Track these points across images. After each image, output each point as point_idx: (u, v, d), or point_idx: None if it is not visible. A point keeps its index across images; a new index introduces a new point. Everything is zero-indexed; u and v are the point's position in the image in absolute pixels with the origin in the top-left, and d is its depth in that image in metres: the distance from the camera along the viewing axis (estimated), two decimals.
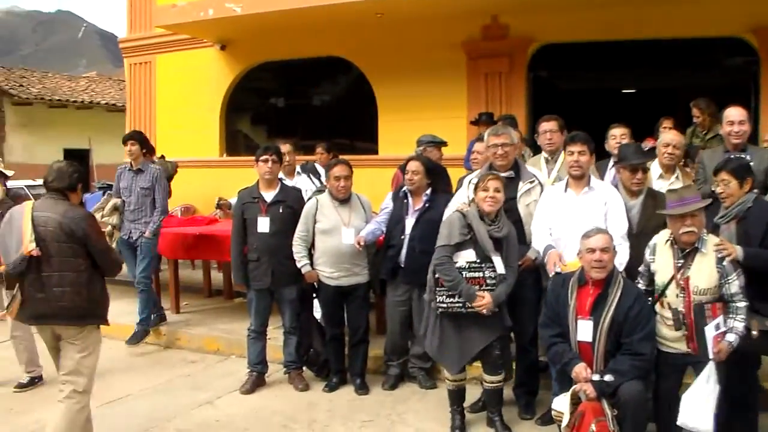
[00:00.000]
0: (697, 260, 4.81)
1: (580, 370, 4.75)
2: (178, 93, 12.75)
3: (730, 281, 4.76)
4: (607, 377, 4.69)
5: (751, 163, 5.73)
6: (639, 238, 5.48)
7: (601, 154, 6.30)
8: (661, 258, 4.96)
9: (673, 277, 4.84)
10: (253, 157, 6.73)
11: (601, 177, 6.16)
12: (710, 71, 10.22)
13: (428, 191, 6.36)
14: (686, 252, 4.84)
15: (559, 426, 4.81)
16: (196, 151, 12.31)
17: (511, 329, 5.76)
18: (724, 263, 4.76)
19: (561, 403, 4.80)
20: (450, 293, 5.31)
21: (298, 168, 8.17)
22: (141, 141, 8.05)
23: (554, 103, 9.35)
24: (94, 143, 21.74)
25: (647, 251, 5.05)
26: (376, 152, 11.02)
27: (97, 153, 21.40)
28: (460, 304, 5.29)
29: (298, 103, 12.66)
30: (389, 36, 10.56)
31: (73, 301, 4.81)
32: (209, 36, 11.98)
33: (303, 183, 7.84)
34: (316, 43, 11.05)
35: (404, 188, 6.46)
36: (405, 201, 6.41)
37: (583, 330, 4.82)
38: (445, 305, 5.35)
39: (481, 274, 5.30)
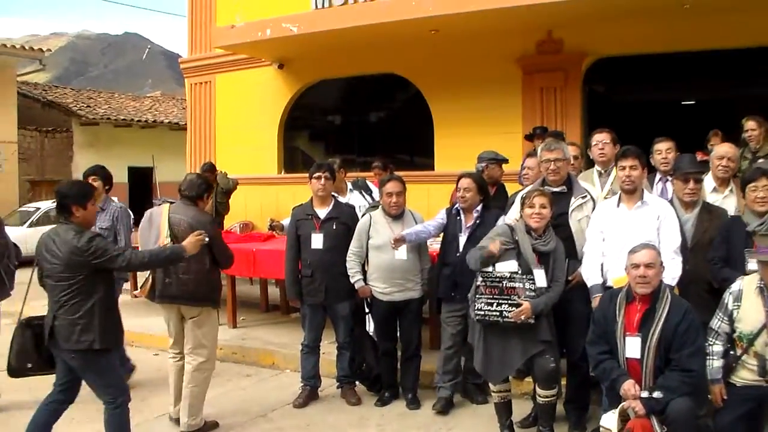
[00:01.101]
0: None
1: (628, 387, 4.70)
2: (237, 111, 12.99)
3: None
4: (656, 394, 4.63)
5: None
6: (694, 251, 5.46)
7: (650, 168, 6.26)
8: (748, 305, 4.79)
9: (764, 326, 4.71)
10: (307, 174, 6.83)
11: (650, 191, 6.10)
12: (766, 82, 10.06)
13: (479, 207, 6.36)
14: None
15: None
16: (254, 168, 12.51)
17: (560, 344, 5.75)
18: None
19: (610, 420, 4.75)
20: (488, 300, 5.38)
21: (349, 185, 8.25)
22: (104, 177, 7.14)
23: (609, 116, 9.26)
24: (157, 161, 22.18)
25: (729, 297, 4.87)
26: (432, 168, 11.06)
27: (160, 171, 21.81)
28: (498, 313, 5.34)
29: (354, 120, 12.80)
30: (444, 52, 10.64)
31: (196, 286, 5.86)
32: (267, 55, 12.19)
33: (356, 199, 7.92)
34: (371, 60, 11.17)
35: (456, 206, 6.47)
36: (458, 218, 6.41)
37: (632, 346, 4.78)
38: (482, 312, 5.39)
39: (521, 285, 5.34)
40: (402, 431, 6.08)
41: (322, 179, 6.65)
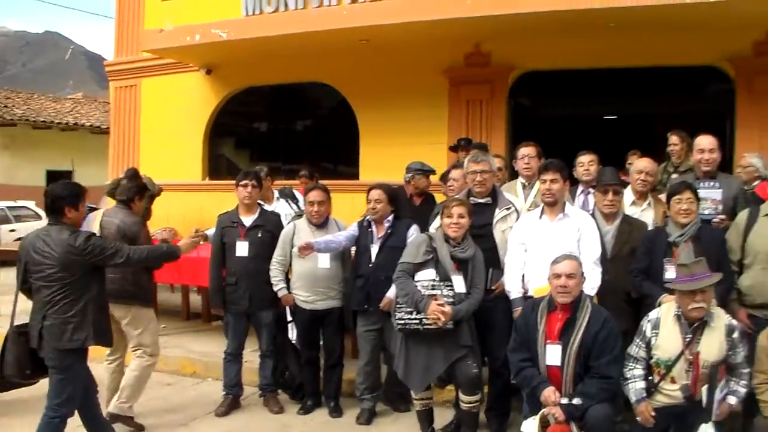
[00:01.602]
0: (706, 334, 4.81)
1: (549, 393, 4.81)
2: (162, 116, 12.79)
3: (737, 352, 4.83)
4: (576, 400, 4.76)
5: (720, 191, 5.87)
6: (613, 262, 5.63)
7: (573, 181, 6.41)
8: (666, 333, 4.90)
9: (682, 353, 4.82)
10: (234, 181, 6.78)
11: (572, 202, 6.26)
12: (687, 99, 10.36)
13: (390, 218, 6.39)
14: (695, 326, 4.83)
15: None
16: (179, 175, 12.32)
17: (482, 352, 5.83)
18: (734, 335, 4.81)
19: (530, 426, 4.85)
20: (408, 310, 5.43)
21: (276, 193, 8.22)
22: None
23: (533, 129, 9.48)
24: (77, 165, 21.75)
25: (648, 325, 4.97)
26: (357, 177, 11.06)
27: (80, 175, 21.31)
28: (417, 321, 5.39)
29: (280, 128, 12.72)
30: (372, 62, 10.64)
31: (122, 284, 5.99)
32: (195, 60, 12.05)
33: (282, 208, 7.90)
34: (300, 68, 11.12)
35: (367, 217, 6.48)
36: (369, 230, 6.42)
37: (552, 354, 4.89)
38: (403, 321, 5.46)
39: (439, 292, 5.42)
40: None
41: (249, 187, 6.62)
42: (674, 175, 7.18)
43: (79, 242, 4.93)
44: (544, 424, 4.79)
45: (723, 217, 5.82)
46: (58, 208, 5.03)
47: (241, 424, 6.41)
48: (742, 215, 5.56)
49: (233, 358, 6.70)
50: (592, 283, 5.33)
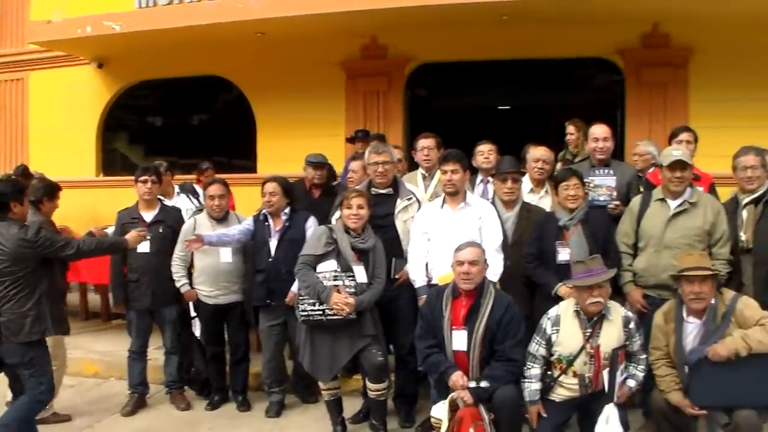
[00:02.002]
0: (605, 327, 4.99)
1: (456, 378, 4.95)
2: (52, 111, 12.35)
3: (634, 341, 5.05)
4: (483, 383, 4.91)
5: (614, 177, 6.12)
6: (514, 248, 5.82)
7: (472, 170, 6.57)
8: (566, 329, 5.05)
9: (583, 347, 4.98)
10: (130, 177, 6.69)
11: (472, 191, 6.43)
12: (580, 90, 10.72)
13: (287, 210, 6.41)
14: (594, 321, 5.00)
15: None
16: (71, 171, 11.94)
17: (387, 341, 5.96)
18: (631, 326, 5.02)
19: (440, 411, 4.99)
20: (310, 301, 5.49)
21: (177, 188, 8.12)
22: None
23: (431, 120, 9.62)
24: None
25: (547, 323, 5.08)
26: (254, 170, 11.01)
27: None
28: (321, 312, 5.47)
29: (176, 122, 12.53)
30: (269, 55, 10.58)
31: None
32: (86, 53, 11.71)
33: (182, 203, 7.81)
34: (195, 62, 10.95)
35: (263, 211, 6.47)
36: (266, 224, 6.42)
37: (458, 339, 5.04)
38: (306, 313, 5.52)
39: (341, 283, 5.49)
40: None
41: (149, 182, 6.56)
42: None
43: (30, 235, 5.03)
44: (453, 407, 4.93)
45: (617, 203, 6.05)
46: (3, 205, 5.11)
47: (149, 422, 6.34)
48: (636, 201, 5.80)
49: (137, 356, 6.62)
50: (494, 270, 5.51)
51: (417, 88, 10.77)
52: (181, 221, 6.75)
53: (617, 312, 5.05)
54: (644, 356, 5.10)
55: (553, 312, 5.11)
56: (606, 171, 6.23)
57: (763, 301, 5.08)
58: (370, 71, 10.41)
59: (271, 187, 6.36)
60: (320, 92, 10.51)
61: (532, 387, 5.02)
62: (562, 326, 5.04)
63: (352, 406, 6.18)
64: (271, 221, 6.40)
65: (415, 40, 9.99)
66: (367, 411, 6.02)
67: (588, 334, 4.96)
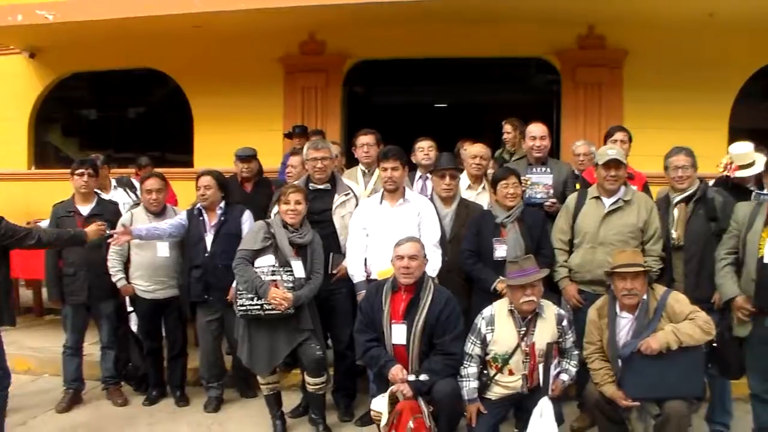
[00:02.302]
0: (539, 325, 5.12)
1: (396, 371, 5.03)
2: None
3: (567, 338, 5.20)
4: (422, 377, 5.00)
5: (551, 176, 6.27)
6: (453, 243, 5.93)
7: (411, 166, 6.66)
8: (501, 328, 5.14)
9: (518, 346, 5.10)
10: (64, 170, 6.61)
11: (411, 187, 6.49)
12: (517, 89, 10.92)
13: (222, 204, 6.40)
14: (528, 319, 5.13)
15: (379, 426, 5.07)
16: (2, 163, 11.73)
17: (326, 335, 6.03)
18: (563, 323, 5.16)
19: (379, 404, 5.07)
20: (249, 296, 5.51)
21: (113, 182, 8.04)
22: None
23: (369, 117, 9.70)
24: None
25: (482, 322, 5.16)
26: (191, 165, 10.92)
27: None
28: (259, 306, 5.50)
29: (111, 116, 12.35)
30: (207, 49, 10.50)
31: None
32: (17, 43, 11.43)
33: (119, 197, 7.72)
34: (131, 54, 10.80)
35: (198, 205, 6.44)
36: (201, 218, 6.38)
37: (398, 333, 5.12)
38: (244, 308, 5.55)
39: (279, 278, 5.53)
40: (173, 428, 6.06)
41: (85, 176, 6.47)
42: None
43: None
44: (393, 400, 5.00)
45: (554, 200, 6.20)
46: None
47: (85, 419, 6.26)
48: (572, 198, 5.94)
49: (73, 351, 6.53)
50: (433, 265, 5.59)
51: (355, 85, 10.83)
52: (118, 215, 6.66)
53: (550, 310, 5.18)
54: (577, 352, 5.25)
55: (487, 312, 5.21)
56: (543, 169, 6.38)
57: (693, 296, 5.26)
58: (309, 67, 10.43)
59: (205, 180, 6.34)
60: (258, 87, 10.50)
61: (469, 386, 5.11)
62: (497, 325, 5.14)
63: (291, 400, 6.24)
64: (205, 216, 6.37)
65: (354, 37, 10.05)
66: (307, 405, 6.08)
67: (522, 332, 5.08)
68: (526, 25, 9.42)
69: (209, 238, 6.30)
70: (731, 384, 5.62)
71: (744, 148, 6.16)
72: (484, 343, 5.14)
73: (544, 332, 5.10)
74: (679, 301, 5.03)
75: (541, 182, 6.32)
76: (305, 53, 10.43)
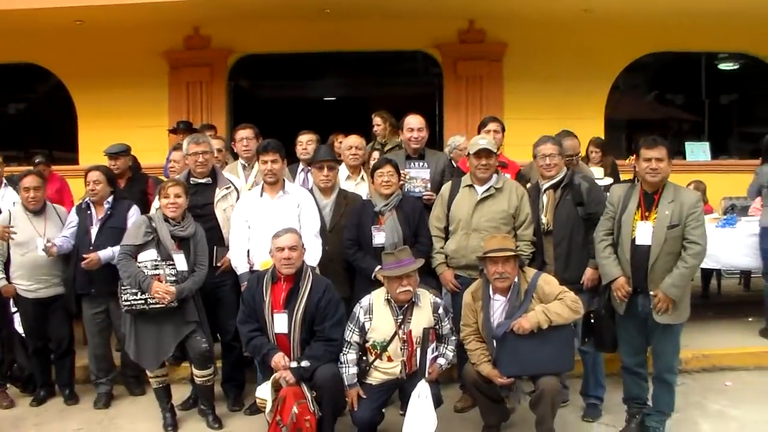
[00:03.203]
0: (416, 314, 5.32)
1: (278, 359, 5.16)
2: None
3: (443, 325, 5.41)
4: (304, 363, 5.13)
5: (428, 170, 6.55)
6: (333, 233, 6.11)
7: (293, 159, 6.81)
8: (379, 317, 5.33)
9: (395, 333, 5.29)
10: None
11: (292, 180, 6.64)
12: (401, 82, 11.15)
13: (110, 199, 6.42)
14: (404, 308, 5.32)
15: (264, 412, 5.18)
16: None
17: (213, 327, 6.10)
18: (439, 311, 5.38)
19: (264, 391, 5.19)
20: (132, 291, 5.56)
21: (4, 181, 7.85)
22: None
23: (254, 111, 9.79)
24: None
25: (360, 311, 5.33)
26: (76, 162, 10.75)
27: None
28: (143, 301, 5.56)
29: None
30: (89, 43, 10.33)
31: None
32: None
33: (9, 195, 7.51)
34: (10, 48, 10.47)
35: (87, 200, 6.46)
36: (88, 212, 6.40)
37: (279, 322, 5.25)
38: (129, 303, 5.59)
39: (162, 272, 5.60)
40: (62, 427, 6.03)
41: None
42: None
43: None
44: (277, 387, 5.14)
45: (431, 194, 6.42)
46: None
47: None
48: (446, 187, 6.17)
49: None
50: (313, 255, 5.74)
51: (240, 79, 10.88)
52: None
53: (426, 298, 5.40)
54: (454, 338, 5.48)
55: (365, 301, 5.39)
56: (420, 164, 6.59)
57: (563, 277, 5.58)
58: (193, 62, 10.43)
59: (94, 175, 6.35)
60: (143, 82, 10.43)
61: (349, 371, 5.29)
62: (375, 314, 5.33)
63: (181, 393, 6.29)
64: (93, 210, 6.39)
65: (237, 31, 10.12)
66: (196, 397, 6.16)
67: (399, 320, 5.29)
68: (409, 20, 9.67)
69: (94, 231, 6.31)
70: (604, 362, 5.96)
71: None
72: (363, 331, 5.32)
73: (421, 320, 5.30)
74: (548, 282, 5.30)
75: (419, 176, 6.54)
76: (190, 48, 10.43)
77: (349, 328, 5.32)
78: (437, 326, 5.38)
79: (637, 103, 11.74)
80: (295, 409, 4.99)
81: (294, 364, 5.15)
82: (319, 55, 10.40)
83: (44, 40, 10.36)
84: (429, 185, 6.51)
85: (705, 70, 11.34)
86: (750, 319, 7.76)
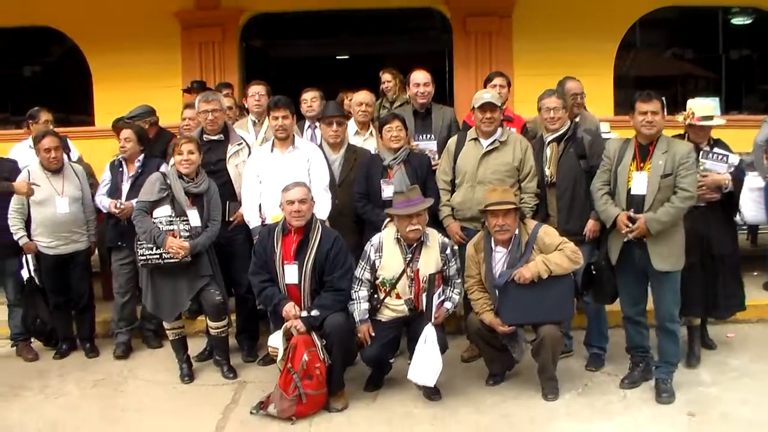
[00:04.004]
0: (424, 253, 5.50)
1: (289, 308, 5.35)
2: None
3: (450, 266, 5.58)
4: (314, 312, 5.33)
5: (434, 141, 6.70)
6: (342, 187, 6.28)
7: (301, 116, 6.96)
8: (389, 255, 5.53)
9: (404, 271, 5.48)
10: None
11: (301, 136, 6.78)
12: (412, 39, 11.17)
13: (141, 157, 6.60)
14: (413, 247, 5.50)
15: (276, 360, 5.37)
16: None
17: (227, 281, 6.26)
18: (447, 251, 5.53)
19: (275, 340, 5.38)
20: (148, 246, 5.75)
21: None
22: None
23: (266, 71, 9.85)
24: None
25: (371, 249, 5.56)
26: (92, 123, 10.88)
27: None
28: (158, 255, 5.74)
29: (6, 75, 12.10)
30: (102, 5, 10.36)
31: None
32: None
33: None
34: (25, 12, 10.55)
35: (119, 157, 6.66)
36: (120, 169, 6.62)
37: (290, 273, 5.43)
38: (144, 257, 5.79)
39: (176, 227, 5.78)
40: (84, 377, 6.22)
41: None
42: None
43: None
44: (288, 336, 5.32)
45: (438, 162, 6.47)
46: None
47: None
48: (452, 141, 6.29)
49: None
50: (323, 208, 5.92)
51: (252, 39, 10.89)
52: (15, 172, 6.69)
53: (435, 238, 5.56)
54: (459, 281, 5.65)
55: (375, 239, 5.58)
56: (428, 136, 6.75)
57: (565, 228, 5.72)
58: (205, 22, 10.38)
59: (126, 133, 6.58)
60: (156, 43, 10.40)
61: (360, 307, 5.50)
62: (385, 252, 5.51)
63: (197, 345, 6.50)
64: (125, 167, 6.61)
65: None
66: (211, 349, 6.35)
67: (408, 259, 5.46)
68: None
69: (125, 188, 6.53)
70: (607, 315, 6.12)
71: (705, 102, 6.24)
72: (374, 269, 5.52)
73: (429, 259, 5.49)
74: (548, 234, 5.45)
75: (427, 148, 6.70)
76: (201, 8, 10.41)
77: (361, 266, 5.53)
78: (444, 267, 5.54)
79: (651, 59, 11.69)
80: (305, 357, 5.18)
81: (304, 314, 5.34)
82: (331, 13, 10.41)
83: (58, 2, 10.42)
84: (437, 156, 6.62)
85: (722, 25, 11.27)
86: (755, 273, 7.83)
